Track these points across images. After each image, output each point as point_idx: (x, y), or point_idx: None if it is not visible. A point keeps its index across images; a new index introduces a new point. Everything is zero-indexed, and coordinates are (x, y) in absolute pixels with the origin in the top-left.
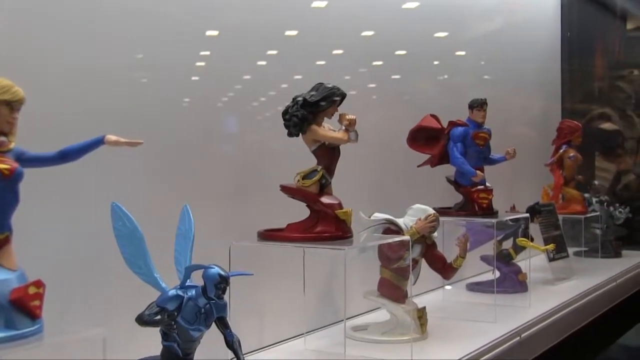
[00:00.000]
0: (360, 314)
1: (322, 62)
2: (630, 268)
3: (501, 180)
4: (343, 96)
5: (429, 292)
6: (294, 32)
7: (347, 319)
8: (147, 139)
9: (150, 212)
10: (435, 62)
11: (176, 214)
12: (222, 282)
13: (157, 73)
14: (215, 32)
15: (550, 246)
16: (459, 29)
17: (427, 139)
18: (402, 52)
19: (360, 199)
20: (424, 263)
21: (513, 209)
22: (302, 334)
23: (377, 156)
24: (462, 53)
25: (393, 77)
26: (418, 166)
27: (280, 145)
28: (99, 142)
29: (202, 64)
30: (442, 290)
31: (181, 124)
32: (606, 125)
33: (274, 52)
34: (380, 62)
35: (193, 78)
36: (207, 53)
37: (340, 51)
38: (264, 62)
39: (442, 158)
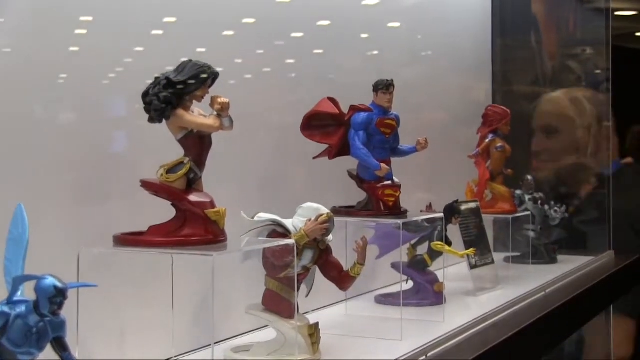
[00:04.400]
0: (246, 333)
1: (230, 33)
2: (563, 275)
3: (421, 175)
4: (215, 76)
5: (332, 306)
6: None
7: (227, 339)
8: None
9: None
10: (364, 35)
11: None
12: (58, 296)
13: (24, 41)
14: None
15: (470, 251)
16: None
17: (326, 126)
18: (325, 23)
19: (245, 197)
20: (319, 272)
21: (429, 209)
22: (170, 357)
23: (275, 145)
24: (396, 25)
25: (315, 51)
26: (314, 158)
27: None
28: None
29: (83, 31)
30: (345, 303)
31: (54, 105)
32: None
33: (172, 19)
34: (299, 34)
35: (71, 49)
36: (90, 19)
37: (251, 20)
38: (159, 32)
39: (342, 148)
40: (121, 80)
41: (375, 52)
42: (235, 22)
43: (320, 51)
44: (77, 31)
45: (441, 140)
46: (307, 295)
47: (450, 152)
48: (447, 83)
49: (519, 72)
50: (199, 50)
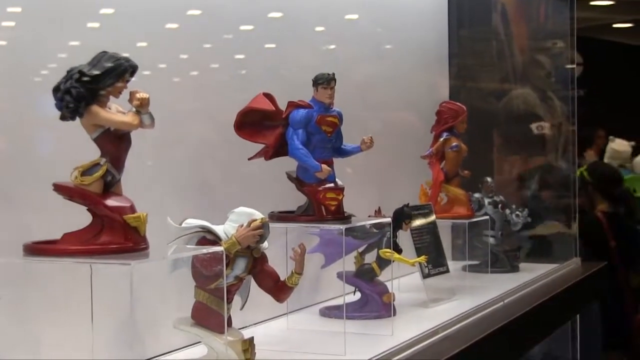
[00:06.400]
0: (176, 350)
1: (174, 26)
2: (524, 284)
3: (372, 177)
4: (133, 68)
5: (273, 319)
6: None
7: (155, 356)
8: None
9: None
10: (320, 28)
11: None
12: None
13: None
14: None
15: (421, 259)
16: None
17: (262, 124)
18: (278, 15)
19: (174, 202)
20: (254, 282)
21: (378, 213)
22: None
23: (210, 146)
24: (354, 17)
25: (266, 46)
26: (249, 159)
27: None
28: None
29: (11, 24)
30: (287, 317)
31: None
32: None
33: (110, 10)
34: (249, 27)
35: None
36: (18, 10)
37: (197, 12)
38: (96, 24)
39: (280, 148)
40: (54, 77)
41: (332, 47)
42: (179, 14)
43: (273, 45)
44: (4, 23)
45: (396, 140)
46: (241, 308)
47: (406, 152)
48: (408, 79)
49: (486, 66)
50: (139, 44)
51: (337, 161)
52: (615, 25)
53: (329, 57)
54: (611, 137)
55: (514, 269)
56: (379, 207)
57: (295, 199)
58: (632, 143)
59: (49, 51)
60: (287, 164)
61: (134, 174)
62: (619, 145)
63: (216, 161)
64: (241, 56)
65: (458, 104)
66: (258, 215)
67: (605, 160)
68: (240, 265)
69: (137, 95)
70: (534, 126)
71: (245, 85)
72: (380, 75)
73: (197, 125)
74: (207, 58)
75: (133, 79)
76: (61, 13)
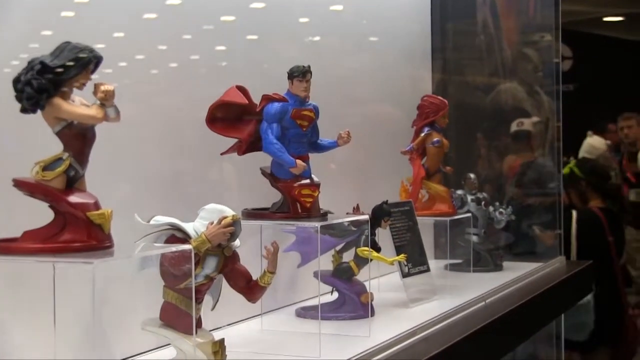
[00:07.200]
0: (148, 351)
1: (152, 16)
2: (506, 283)
3: (351, 173)
4: (98, 60)
5: (247, 320)
6: None
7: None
8: None
9: None
10: (303, 20)
11: None
12: None
13: None
14: None
15: (400, 257)
16: None
17: (235, 118)
18: (260, 5)
19: (143, 198)
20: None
21: (356, 210)
22: None
23: (183, 141)
24: (339, 8)
25: (248, 37)
26: (222, 154)
27: None
28: None
29: None
30: (261, 317)
31: None
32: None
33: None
34: (231, 18)
35: None
36: None
37: (176, 1)
38: (70, 13)
39: (254, 143)
40: None
41: (316, 39)
42: (158, 4)
43: (254, 37)
44: None
45: (376, 134)
46: (212, 308)
47: (386, 147)
48: (391, 72)
49: (473, 60)
50: (116, 35)
51: (320, 157)
52: (606, 19)
53: (313, 49)
54: (590, 132)
55: (497, 267)
56: (358, 204)
57: (269, 196)
58: (608, 142)
59: (19, 41)
60: (261, 159)
61: (102, 169)
62: (597, 142)
63: (189, 156)
64: (222, 48)
65: (440, 98)
66: (229, 212)
67: (580, 154)
68: (211, 264)
69: (102, 88)
70: (514, 124)
71: (225, 78)
72: (363, 68)
73: (175, 119)
74: (187, 49)
75: (109, 70)
76: (29, 5)
